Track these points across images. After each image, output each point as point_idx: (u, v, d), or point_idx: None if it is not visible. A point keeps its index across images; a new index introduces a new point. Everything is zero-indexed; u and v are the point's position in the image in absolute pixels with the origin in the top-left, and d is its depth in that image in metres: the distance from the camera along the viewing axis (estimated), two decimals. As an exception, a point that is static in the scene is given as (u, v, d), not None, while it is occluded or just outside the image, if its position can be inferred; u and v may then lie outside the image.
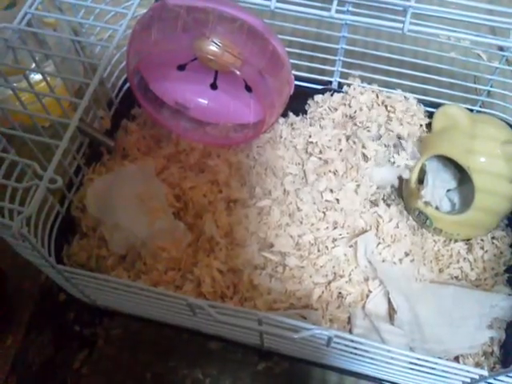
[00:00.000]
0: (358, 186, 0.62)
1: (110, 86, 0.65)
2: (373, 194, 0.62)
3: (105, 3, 0.59)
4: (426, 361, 0.40)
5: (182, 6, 0.52)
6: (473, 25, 0.45)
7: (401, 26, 0.42)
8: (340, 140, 0.65)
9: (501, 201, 0.55)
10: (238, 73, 0.53)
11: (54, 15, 0.61)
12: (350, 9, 0.56)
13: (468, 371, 0.39)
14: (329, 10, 0.43)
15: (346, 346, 0.42)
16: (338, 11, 0.44)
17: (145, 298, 0.45)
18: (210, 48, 0.52)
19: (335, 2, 0.43)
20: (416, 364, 0.41)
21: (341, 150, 0.64)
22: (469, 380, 0.41)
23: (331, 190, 0.62)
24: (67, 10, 0.68)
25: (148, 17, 0.54)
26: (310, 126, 0.66)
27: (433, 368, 0.40)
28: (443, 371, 0.40)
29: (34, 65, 0.55)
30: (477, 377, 0.39)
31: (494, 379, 0.38)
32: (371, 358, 0.43)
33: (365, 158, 0.64)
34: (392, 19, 0.48)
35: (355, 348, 0.42)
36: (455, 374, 0.40)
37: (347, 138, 0.65)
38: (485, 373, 0.38)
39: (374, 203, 0.62)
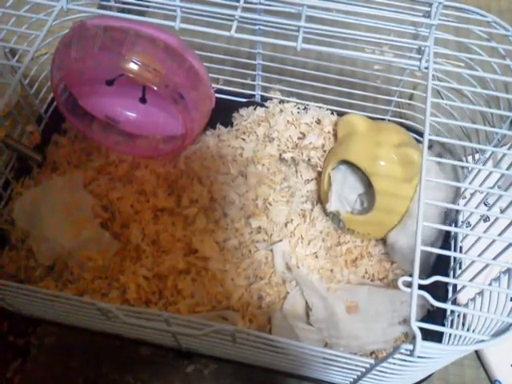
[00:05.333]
0: (286, 196, 0.66)
1: (39, 102, 0.67)
2: (302, 202, 0.66)
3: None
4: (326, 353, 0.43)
5: (100, 25, 0.55)
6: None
7: (295, 44, 0.46)
8: (266, 154, 0.68)
9: (399, 201, 0.58)
10: (155, 89, 0.56)
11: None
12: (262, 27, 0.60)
13: (363, 361, 0.43)
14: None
15: (255, 342, 0.45)
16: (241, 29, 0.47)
17: (67, 306, 0.46)
18: (128, 66, 0.55)
19: (235, 23, 0.47)
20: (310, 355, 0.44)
21: (263, 165, 0.67)
22: (364, 369, 0.44)
23: (256, 198, 0.65)
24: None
25: (69, 35, 0.56)
26: (236, 138, 0.69)
27: (326, 358, 0.43)
28: (337, 361, 0.44)
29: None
30: (368, 365, 0.43)
31: (381, 366, 0.42)
32: (277, 353, 0.46)
33: (291, 170, 0.68)
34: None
35: (269, 345, 0.45)
36: (348, 363, 0.44)
37: (272, 152, 0.68)
38: (372, 361, 0.41)
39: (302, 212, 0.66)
